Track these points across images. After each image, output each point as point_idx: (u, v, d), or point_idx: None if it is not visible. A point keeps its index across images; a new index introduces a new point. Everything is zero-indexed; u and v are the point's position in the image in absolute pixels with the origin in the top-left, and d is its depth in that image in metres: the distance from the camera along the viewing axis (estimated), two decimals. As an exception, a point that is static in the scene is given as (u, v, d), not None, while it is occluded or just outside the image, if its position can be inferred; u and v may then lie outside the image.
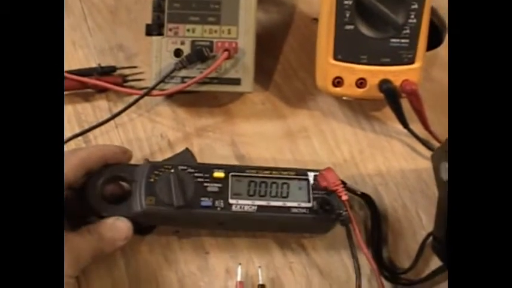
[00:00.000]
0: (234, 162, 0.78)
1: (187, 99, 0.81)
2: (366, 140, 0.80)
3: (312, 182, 0.70)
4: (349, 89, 0.76)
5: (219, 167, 0.70)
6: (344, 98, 0.80)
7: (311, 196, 0.70)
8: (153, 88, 0.76)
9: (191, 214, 0.68)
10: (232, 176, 0.69)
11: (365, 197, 0.75)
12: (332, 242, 0.72)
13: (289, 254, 0.73)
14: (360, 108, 0.82)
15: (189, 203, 0.67)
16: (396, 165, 0.78)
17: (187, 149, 0.73)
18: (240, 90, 0.78)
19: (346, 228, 0.69)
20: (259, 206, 0.69)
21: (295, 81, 0.84)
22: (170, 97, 0.82)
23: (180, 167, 0.69)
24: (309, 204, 0.69)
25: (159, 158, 0.76)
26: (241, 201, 0.69)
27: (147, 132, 0.80)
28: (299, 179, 0.71)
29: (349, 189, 0.73)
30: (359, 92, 0.75)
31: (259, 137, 0.79)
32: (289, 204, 0.69)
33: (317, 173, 0.70)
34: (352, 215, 0.67)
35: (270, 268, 0.71)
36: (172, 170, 0.68)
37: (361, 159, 0.78)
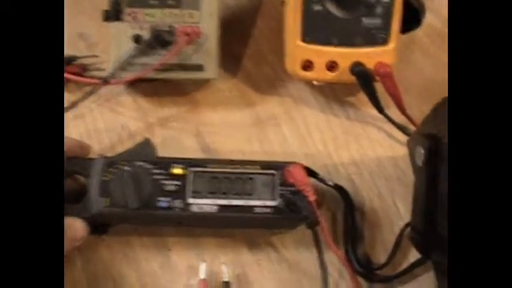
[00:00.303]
0: (199, 154, 0.73)
1: (150, 88, 0.76)
2: (339, 127, 0.75)
3: (278, 177, 0.65)
4: (319, 73, 0.70)
5: (178, 161, 0.64)
6: (315, 82, 0.75)
7: (277, 193, 0.65)
8: (111, 76, 0.70)
9: (147, 215, 0.64)
10: (192, 172, 0.64)
11: (338, 188, 0.70)
12: (302, 237, 0.68)
13: (257, 250, 0.68)
14: (332, 94, 0.76)
15: (145, 204, 0.62)
16: (371, 153, 0.73)
17: (147, 139, 0.67)
18: (203, 77, 0.72)
19: (313, 231, 0.63)
20: (220, 206, 0.64)
21: (265, 67, 0.77)
22: (132, 86, 0.76)
23: (137, 163, 0.64)
24: (274, 203, 0.64)
25: (120, 150, 0.70)
26: (201, 201, 0.64)
27: (107, 123, 0.75)
28: (265, 174, 0.66)
29: (321, 181, 0.68)
30: (330, 75, 0.70)
31: (226, 126, 0.74)
32: (252, 203, 0.64)
33: (285, 168, 0.65)
34: (321, 216, 0.63)
35: (236, 265, 0.67)
36: (126, 168, 0.62)
37: (335, 147, 0.73)
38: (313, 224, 0.64)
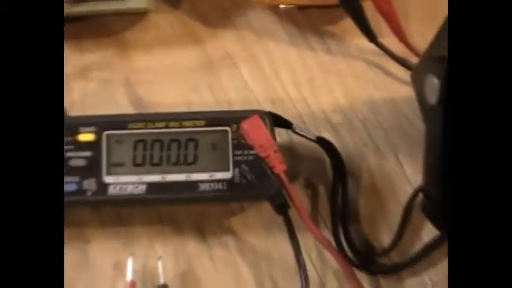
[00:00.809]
0: (129, 110, 0.55)
1: (67, 30, 0.54)
2: (317, 64, 0.57)
3: (232, 136, 0.47)
4: None
5: (87, 122, 0.44)
6: (282, 6, 0.58)
7: (230, 161, 0.46)
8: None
9: None
10: (107, 136, 0.45)
11: (323, 143, 0.51)
12: (270, 216, 0.48)
13: (210, 237, 0.51)
14: (307, 23, 0.59)
15: None
16: (362, 95, 0.56)
17: None
18: (130, 7, 0.55)
19: (284, 216, 0.45)
20: (149, 185, 0.46)
21: (216, -9, 0.57)
22: None
23: None
24: (228, 175, 0.46)
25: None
26: (122, 178, 0.46)
27: None
28: (213, 132, 0.47)
29: (297, 134, 0.50)
30: None
31: (165, 72, 0.57)
32: (196, 176, 0.46)
33: (241, 121, 0.46)
34: (294, 193, 0.45)
35: (179, 259, 0.50)
36: None
37: (312, 90, 0.56)
38: (282, 207, 0.45)
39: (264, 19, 0.58)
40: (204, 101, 0.55)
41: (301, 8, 0.58)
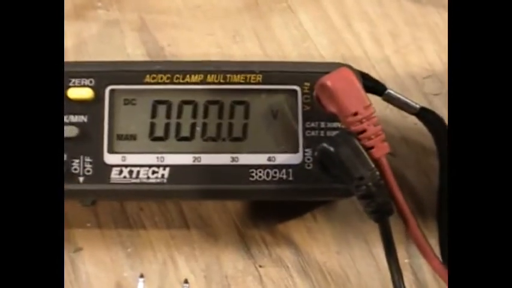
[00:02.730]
0: None
1: None
2: (401, 14, 0.39)
3: (304, 100, 0.29)
4: None
5: (83, 71, 0.28)
6: None
7: (301, 136, 0.28)
8: None
9: None
10: (112, 93, 0.27)
11: (428, 116, 0.33)
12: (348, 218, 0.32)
13: (257, 249, 0.32)
14: None
15: None
16: None
17: None
18: None
19: (382, 224, 0.25)
20: (174, 169, 0.28)
21: None
22: None
23: None
24: (296, 158, 0.29)
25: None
26: (132, 158, 0.28)
27: None
28: (274, 93, 0.29)
29: (393, 103, 0.32)
30: None
31: (194, 14, 0.38)
32: (246, 159, 0.29)
33: (319, 78, 0.28)
34: (398, 190, 0.28)
35: (212, 279, 0.32)
36: None
37: (396, 48, 0.38)
38: (383, 211, 0.26)
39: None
40: (249, 54, 0.37)
41: None
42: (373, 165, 0.27)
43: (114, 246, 0.32)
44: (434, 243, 0.32)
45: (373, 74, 0.36)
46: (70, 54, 0.37)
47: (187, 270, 0.32)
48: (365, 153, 0.27)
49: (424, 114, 0.33)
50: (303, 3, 0.39)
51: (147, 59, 0.37)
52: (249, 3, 0.39)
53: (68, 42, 0.37)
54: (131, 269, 0.32)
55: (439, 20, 0.39)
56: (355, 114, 0.27)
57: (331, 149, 0.27)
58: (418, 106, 0.32)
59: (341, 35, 0.38)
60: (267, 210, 0.33)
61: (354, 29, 0.39)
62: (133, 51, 0.37)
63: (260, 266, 0.32)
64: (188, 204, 0.33)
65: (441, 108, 0.36)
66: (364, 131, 0.27)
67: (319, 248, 0.32)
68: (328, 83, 0.28)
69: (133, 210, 0.33)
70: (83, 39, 0.38)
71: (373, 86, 0.32)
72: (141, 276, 0.30)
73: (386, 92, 0.32)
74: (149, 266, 0.32)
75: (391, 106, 0.33)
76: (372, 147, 0.27)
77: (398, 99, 0.32)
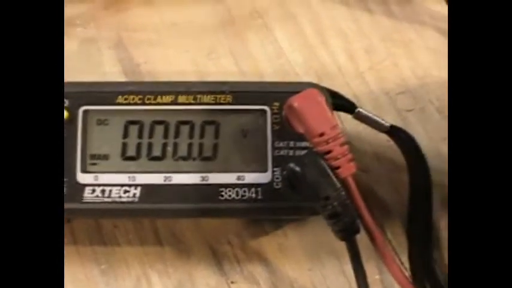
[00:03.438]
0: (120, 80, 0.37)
1: None
2: (376, 30, 0.39)
3: (274, 120, 0.29)
4: None
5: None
6: None
7: (269, 155, 0.29)
8: None
9: None
10: (85, 114, 0.27)
11: (398, 134, 0.33)
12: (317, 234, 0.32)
13: (229, 265, 0.33)
14: None
15: None
16: (436, 72, 0.38)
17: None
18: None
19: (349, 242, 0.25)
20: (145, 188, 0.29)
21: None
22: None
23: None
24: (265, 177, 0.29)
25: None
26: (105, 178, 0.29)
27: None
28: (244, 113, 0.30)
29: (364, 121, 0.33)
30: None
31: (171, 31, 0.39)
32: (216, 178, 0.29)
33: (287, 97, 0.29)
34: (365, 209, 0.28)
35: None
36: None
37: (370, 64, 0.38)
38: (349, 230, 0.27)
39: (305, -34, 0.39)
40: (224, 72, 0.38)
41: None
42: (339, 185, 0.27)
43: (88, 262, 0.33)
44: (404, 259, 0.33)
45: (348, 91, 0.37)
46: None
47: (160, 286, 0.32)
48: (331, 174, 0.28)
49: (395, 132, 0.33)
50: (278, 19, 0.40)
51: (123, 76, 0.37)
52: (226, 21, 0.39)
53: (48, 59, 0.38)
54: (106, 286, 0.32)
55: (414, 36, 0.40)
56: (322, 134, 0.28)
57: (298, 169, 0.28)
58: (388, 124, 0.33)
59: (316, 51, 0.39)
60: (238, 227, 0.33)
61: (329, 46, 0.39)
62: (110, 68, 0.38)
63: (232, 282, 0.32)
64: (162, 221, 0.33)
65: (414, 124, 0.37)
66: (330, 151, 0.28)
67: (290, 265, 0.33)
68: (295, 104, 0.28)
69: (108, 227, 0.33)
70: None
71: (343, 104, 0.32)
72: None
73: (357, 110, 0.32)
74: (123, 283, 0.32)
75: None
76: (339, 167, 0.28)
77: (369, 117, 0.33)
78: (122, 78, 0.37)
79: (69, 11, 0.39)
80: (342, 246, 0.30)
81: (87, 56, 0.38)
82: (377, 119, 0.33)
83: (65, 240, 0.33)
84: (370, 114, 0.33)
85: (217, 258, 0.33)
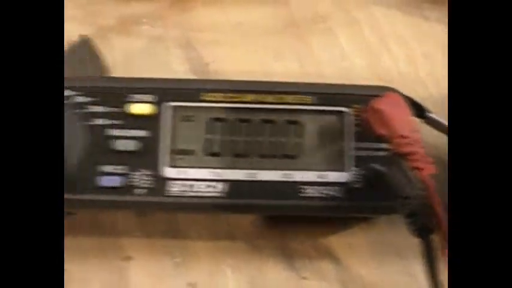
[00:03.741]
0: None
1: None
2: (433, 37, 0.40)
3: (353, 121, 0.30)
4: None
5: (143, 88, 0.30)
6: None
7: (349, 157, 0.30)
8: None
9: (77, 203, 0.29)
10: (171, 109, 0.30)
11: None
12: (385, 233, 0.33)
13: (300, 261, 0.34)
14: None
15: (72, 182, 0.28)
16: None
17: (84, 39, 0.34)
18: None
19: (425, 240, 0.27)
20: (229, 184, 0.29)
21: None
22: None
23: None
24: (343, 176, 0.30)
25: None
26: (190, 172, 0.30)
27: None
28: (325, 114, 0.31)
29: (434, 126, 0.33)
30: None
31: (237, 32, 0.40)
32: (298, 176, 0.30)
33: (367, 100, 0.30)
34: (441, 209, 0.28)
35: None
36: None
37: (430, 70, 0.39)
38: (425, 228, 0.28)
39: (365, -27, 0.40)
40: (290, 72, 0.39)
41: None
42: (419, 185, 0.28)
43: (162, 255, 0.33)
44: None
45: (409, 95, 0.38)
46: (119, 68, 0.38)
47: (233, 281, 0.33)
48: (412, 174, 0.29)
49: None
50: (342, 23, 0.40)
51: (191, 75, 0.38)
52: (289, 23, 0.40)
53: (117, 56, 0.39)
54: (179, 279, 0.33)
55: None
56: (405, 137, 0.29)
57: (381, 169, 0.29)
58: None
59: (378, 55, 0.40)
60: (310, 226, 0.34)
61: (391, 50, 0.40)
62: (178, 67, 0.38)
63: (303, 278, 0.33)
64: (234, 217, 0.34)
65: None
66: (411, 152, 0.29)
67: (358, 263, 0.34)
68: (380, 107, 0.29)
69: (180, 221, 0.34)
70: (130, 54, 0.39)
71: (415, 109, 0.33)
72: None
73: (428, 115, 0.33)
74: (197, 276, 0.33)
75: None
76: (419, 168, 0.29)
77: (439, 122, 0.34)
78: (191, 77, 0.38)
79: (135, 9, 0.40)
80: (408, 246, 0.31)
81: (155, 54, 0.39)
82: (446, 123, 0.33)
83: (138, 233, 0.34)
84: (440, 120, 0.33)
85: (288, 254, 0.34)
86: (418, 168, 0.29)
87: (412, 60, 0.40)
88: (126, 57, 0.39)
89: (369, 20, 0.41)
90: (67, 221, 0.29)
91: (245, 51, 0.39)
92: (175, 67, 0.38)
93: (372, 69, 0.39)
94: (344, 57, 0.39)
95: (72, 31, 0.38)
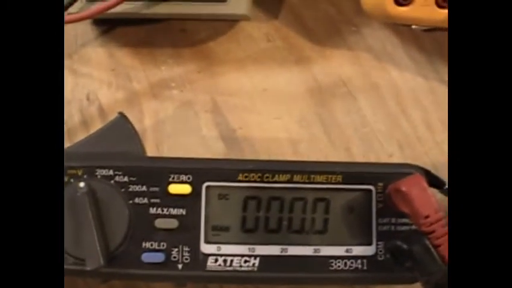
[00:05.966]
0: (218, 145, 0.40)
1: (135, 34, 0.42)
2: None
3: (378, 198, 0.33)
4: (424, 10, 0.38)
5: (182, 168, 0.32)
6: (413, 27, 0.41)
7: (374, 230, 0.32)
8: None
9: (123, 276, 0.30)
10: (208, 189, 0.31)
11: None
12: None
13: None
14: (435, 48, 0.43)
15: (117, 257, 0.30)
16: None
17: (121, 116, 0.34)
18: (226, 13, 0.39)
19: None
20: (263, 259, 0.32)
21: (324, 3, 0.43)
22: (104, 30, 0.42)
23: (100, 172, 0.31)
24: (371, 250, 0.32)
25: (81, 137, 0.36)
26: (226, 248, 0.32)
27: (66, 93, 0.41)
28: (351, 191, 0.33)
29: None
30: (443, 14, 0.37)
31: (262, 97, 0.42)
32: (327, 251, 0.32)
33: (391, 178, 0.33)
34: None
35: None
36: (82, 184, 0.30)
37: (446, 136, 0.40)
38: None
39: (384, 40, 0.43)
40: (314, 138, 0.41)
41: (428, 30, 0.42)
42: (441, 263, 0.31)
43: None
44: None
45: (426, 160, 0.40)
46: (149, 133, 0.40)
47: None
48: (434, 252, 0.31)
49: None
50: (362, 88, 0.42)
51: (220, 141, 0.40)
52: (313, 88, 0.43)
53: (147, 121, 0.41)
54: None
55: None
56: (427, 217, 0.31)
57: (405, 246, 0.31)
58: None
59: (397, 120, 0.42)
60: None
61: (409, 114, 0.42)
62: (207, 132, 0.41)
63: None
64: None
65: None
66: (433, 231, 0.31)
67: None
68: (403, 189, 0.31)
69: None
70: (160, 119, 0.41)
71: (433, 181, 0.36)
72: None
73: (445, 187, 0.36)
74: None
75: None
76: (440, 246, 0.31)
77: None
78: (219, 143, 0.40)
79: (164, 73, 0.42)
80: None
81: (186, 119, 0.41)
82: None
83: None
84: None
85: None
86: (439, 246, 0.31)
87: (429, 125, 0.42)
88: (157, 121, 0.41)
89: (388, 83, 0.42)
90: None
91: (271, 118, 0.41)
92: (206, 132, 0.41)
93: (391, 134, 0.41)
94: (365, 122, 0.41)
95: (103, 95, 0.41)
